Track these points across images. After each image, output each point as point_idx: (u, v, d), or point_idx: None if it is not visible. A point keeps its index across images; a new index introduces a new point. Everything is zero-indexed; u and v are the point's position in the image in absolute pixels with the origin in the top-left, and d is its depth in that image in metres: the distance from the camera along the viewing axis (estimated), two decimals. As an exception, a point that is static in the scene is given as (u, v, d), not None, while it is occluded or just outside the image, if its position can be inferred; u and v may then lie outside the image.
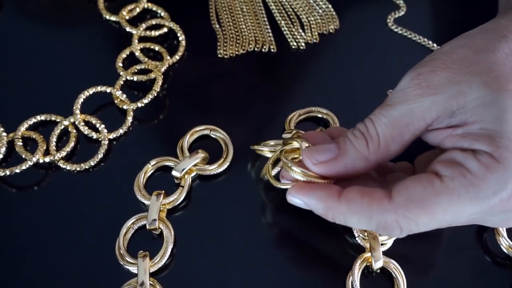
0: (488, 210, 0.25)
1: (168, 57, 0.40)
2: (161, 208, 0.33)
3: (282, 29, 0.42)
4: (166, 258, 0.32)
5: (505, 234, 0.33)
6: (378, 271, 0.32)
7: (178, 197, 0.34)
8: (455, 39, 0.28)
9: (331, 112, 0.37)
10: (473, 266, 0.34)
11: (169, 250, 0.32)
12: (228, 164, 0.35)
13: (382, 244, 0.32)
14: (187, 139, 0.36)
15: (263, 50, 0.41)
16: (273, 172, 0.33)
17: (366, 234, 0.32)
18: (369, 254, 0.32)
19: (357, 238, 0.33)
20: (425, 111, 0.26)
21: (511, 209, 0.25)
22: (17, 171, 0.34)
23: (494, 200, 0.24)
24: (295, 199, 0.28)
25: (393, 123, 0.26)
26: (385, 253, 0.32)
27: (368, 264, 0.32)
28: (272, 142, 0.33)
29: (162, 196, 0.33)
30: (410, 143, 0.27)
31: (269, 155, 0.33)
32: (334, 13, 0.43)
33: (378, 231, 0.27)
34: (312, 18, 0.43)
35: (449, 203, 0.24)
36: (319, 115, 0.38)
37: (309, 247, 0.34)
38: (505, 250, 0.33)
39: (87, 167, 0.35)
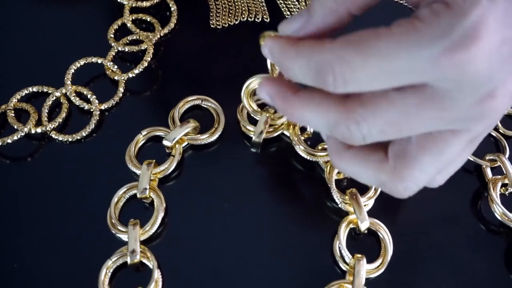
0: (434, 64, 0.22)
1: (160, 28, 0.39)
2: (152, 178, 0.33)
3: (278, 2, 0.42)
4: (156, 226, 0.32)
5: (499, 202, 0.33)
6: (366, 231, 0.32)
7: (169, 166, 0.34)
8: None
9: None
10: (467, 233, 0.34)
11: (160, 218, 0.32)
12: (219, 133, 0.35)
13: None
14: (178, 109, 0.36)
15: (256, 20, 0.41)
16: None
17: (347, 198, 0.33)
18: (353, 217, 0.32)
19: (339, 204, 0.33)
20: None
21: (465, 68, 0.22)
22: (9, 141, 0.34)
23: (437, 47, 0.21)
24: (265, 48, 0.27)
25: None
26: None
27: (353, 226, 0.32)
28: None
29: (152, 165, 0.33)
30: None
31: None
32: (329, -19, 0.42)
33: (313, 79, 0.24)
34: (306, -13, 0.42)
35: (387, 46, 0.22)
36: None
37: (295, 216, 0.34)
38: (499, 217, 0.33)
39: (79, 137, 0.35)
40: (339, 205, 0.33)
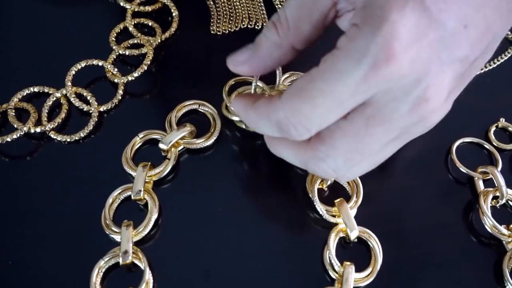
0: (365, 84, 0.23)
1: (161, 33, 0.40)
2: (147, 180, 0.34)
3: (276, 6, 0.42)
4: (149, 228, 0.33)
5: (489, 214, 0.33)
6: (356, 240, 0.33)
7: (164, 169, 0.34)
8: None
9: None
10: (457, 244, 0.34)
11: (153, 220, 0.33)
12: (215, 138, 0.36)
13: None
14: (175, 113, 0.36)
15: (256, 27, 0.41)
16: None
17: (333, 209, 0.33)
18: (342, 226, 0.32)
19: (323, 216, 0.33)
20: None
21: (392, 78, 0.23)
22: (8, 139, 0.35)
23: (362, 68, 0.23)
24: (233, 107, 0.30)
25: (301, 3, 0.27)
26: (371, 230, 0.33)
27: (343, 236, 0.33)
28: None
29: (148, 167, 0.34)
30: (323, 27, 0.28)
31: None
32: (329, -9, 0.43)
33: (281, 134, 0.27)
34: (307, -4, 0.43)
35: (322, 83, 0.24)
36: None
37: (288, 221, 0.34)
38: (489, 230, 0.33)
39: (77, 138, 0.36)
40: (324, 217, 0.33)
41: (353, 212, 0.33)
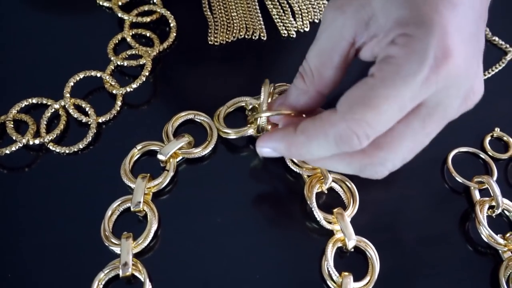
0: (427, 85, 0.25)
1: (159, 43, 0.40)
2: (146, 191, 0.34)
3: (273, 17, 0.42)
4: (149, 239, 0.33)
5: (485, 223, 0.34)
6: (352, 250, 0.33)
7: (163, 180, 0.35)
8: None
9: None
10: (454, 253, 0.34)
11: (153, 231, 0.33)
12: (212, 147, 0.36)
13: None
14: (172, 124, 0.36)
15: (253, 37, 0.42)
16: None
17: (332, 217, 0.33)
18: (339, 236, 0.33)
19: (321, 222, 0.33)
20: (341, 30, 0.28)
21: (450, 75, 0.25)
22: (7, 152, 0.35)
23: (424, 70, 0.24)
24: (264, 149, 0.31)
25: (319, 52, 0.29)
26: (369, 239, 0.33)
27: (340, 245, 0.33)
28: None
29: (147, 179, 0.34)
30: (346, 66, 0.29)
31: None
32: (325, 1, 0.43)
33: (339, 148, 0.27)
34: (304, 6, 0.43)
35: (385, 90, 0.25)
36: None
37: (287, 230, 0.34)
38: (485, 239, 0.34)
39: (76, 149, 0.36)
40: (321, 223, 0.33)
41: (348, 219, 0.33)
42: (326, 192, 0.35)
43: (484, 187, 0.35)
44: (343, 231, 0.33)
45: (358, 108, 0.25)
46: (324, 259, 0.32)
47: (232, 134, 0.36)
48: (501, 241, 0.33)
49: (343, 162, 0.29)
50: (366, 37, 0.27)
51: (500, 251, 0.33)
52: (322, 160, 0.29)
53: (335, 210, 0.34)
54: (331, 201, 0.35)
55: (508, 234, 0.33)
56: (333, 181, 0.35)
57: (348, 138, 0.26)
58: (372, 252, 0.33)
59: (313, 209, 0.34)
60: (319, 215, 0.33)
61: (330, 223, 0.34)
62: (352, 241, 0.32)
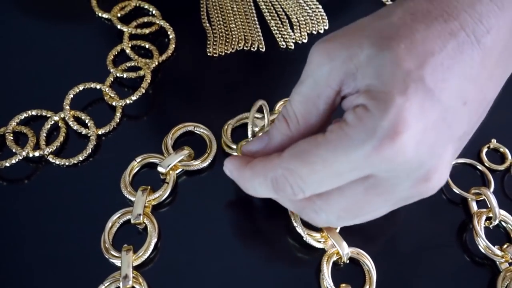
0: (367, 161, 0.24)
1: (158, 55, 0.40)
2: (146, 204, 0.34)
3: (272, 28, 0.43)
4: (149, 252, 0.33)
5: (483, 235, 0.34)
6: (348, 261, 0.33)
7: (163, 193, 0.35)
8: None
9: None
10: (452, 264, 0.34)
11: (153, 244, 0.33)
12: (211, 159, 0.36)
13: None
14: (171, 136, 0.37)
15: (252, 49, 0.42)
16: None
17: (321, 234, 0.33)
18: (333, 250, 0.33)
19: (304, 238, 0.33)
20: (327, 78, 0.26)
21: (395, 159, 0.24)
22: (7, 164, 0.35)
23: (367, 147, 0.24)
24: (225, 169, 0.31)
25: (305, 99, 0.28)
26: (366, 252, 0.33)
27: (335, 259, 0.33)
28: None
29: (147, 192, 0.34)
30: (330, 112, 0.28)
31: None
32: (323, 13, 0.44)
33: (275, 192, 0.28)
34: (302, 18, 0.43)
35: (326, 153, 0.25)
36: None
37: (288, 242, 0.34)
38: (482, 250, 0.34)
39: (75, 162, 0.36)
40: (304, 239, 0.33)
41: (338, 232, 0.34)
42: None
43: (481, 198, 0.35)
44: (336, 244, 0.33)
45: (295, 161, 0.26)
46: (321, 276, 0.32)
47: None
48: (499, 252, 0.33)
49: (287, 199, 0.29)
50: (351, 89, 0.26)
51: (497, 262, 0.34)
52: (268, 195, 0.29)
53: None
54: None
55: (505, 246, 0.34)
56: None
57: (282, 185, 0.27)
58: (368, 263, 0.33)
59: (297, 227, 0.34)
60: (304, 233, 0.33)
61: (319, 241, 0.34)
62: (347, 254, 0.33)
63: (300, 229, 0.33)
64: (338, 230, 0.34)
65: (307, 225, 0.33)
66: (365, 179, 0.26)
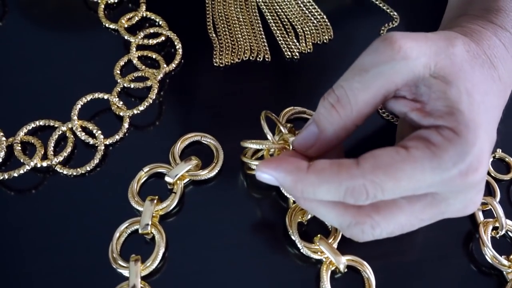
0: (448, 182, 0.26)
1: (165, 65, 0.41)
2: (154, 214, 0.34)
3: (277, 38, 0.43)
4: (157, 262, 0.33)
5: (489, 245, 0.34)
6: (345, 270, 0.33)
7: (171, 203, 0.35)
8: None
9: None
10: (458, 273, 0.34)
11: (161, 254, 0.33)
12: (218, 169, 0.36)
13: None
14: (178, 146, 0.37)
15: (257, 59, 0.42)
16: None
17: (313, 245, 0.34)
18: (330, 260, 0.33)
19: (301, 250, 0.33)
20: (396, 74, 0.27)
21: (470, 185, 0.26)
22: (15, 175, 0.35)
23: (454, 171, 0.25)
24: (264, 175, 0.29)
25: (366, 87, 0.27)
26: (369, 262, 0.34)
27: (334, 268, 0.33)
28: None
29: (155, 201, 0.34)
30: (380, 105, 0.29)
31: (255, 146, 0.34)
32: (328, 23, 0.44)
33: (345, 199, 0.27)
34: (307, 28, 0.44)
35: (412, 170, 0.26)
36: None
37: (294, 252, 0.34)
38: (489, 260, 0.34)
39: (83, 172, 0.36)
40: (302, 251, 0.33)
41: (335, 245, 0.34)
42: (305, 223, 0.35)
43: (487, 208, 0.36)
44: (330, 256, 0.33)
45: (381, 174, 0.26)
46: (321, 285, 0.33)
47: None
48: (505, 262, 0.33)
49: (335, 212, 0.28)
50: (409, 94, 0.28)
51: (504, 272, 0.34)
52: (316, 204, 0.29)
53: (316, 238, 0.34)
54: (314, 229, 0.35)
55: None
56: None
57: (359, 193, 0.26)
58: (368, 272, 0.33)
59: (294, 239, 0.34)
60: (302, 246, 0.33)
61: (316, 252, 0.34)
62: (342, 264, 0.33)
63: (297, 242, 0.33)
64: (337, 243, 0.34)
65: (304, 238, 0.34)
66: (426, 197, 0.27)
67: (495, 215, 0.35)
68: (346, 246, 0.34)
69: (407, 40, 0.27)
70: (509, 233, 0.35)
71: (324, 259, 0.33)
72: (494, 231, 0.35)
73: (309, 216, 0.35)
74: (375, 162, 0.26)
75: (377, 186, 0.26)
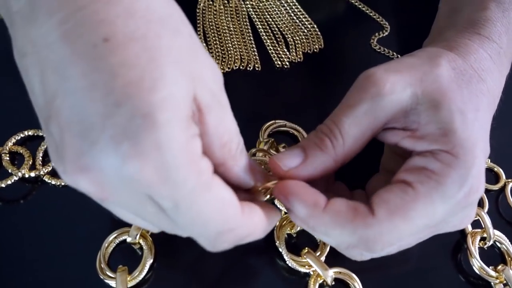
0: (456, 207, 0.26)
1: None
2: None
3: (268, 48, 0.43)
4: (144, 273, 0.33)
5: (477, 256, 0.34)
6: (333, 283, 0.33)
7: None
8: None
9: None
10: (446, 285, 0.34)
11: (148, 265, 0.33)
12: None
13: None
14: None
15: (248, 68, 0.42)
16: None
17: (303, 255, 0.33)
18: (318, 273, 0.33)
19: (288, 263, 0.33)
20: (384, 109, 0.27)
21: (470, 205, 0.27)
22: (3, 185, 0.35)
23: (460, 194, 0.26)
24: (281, 196, 0.27)
25: (356, 122, 0.28)
26: (357, 274, 0.33)
27: (321, 281, 0.33)
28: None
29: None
30: (370, 140, 0.29)
31: None
32: (319, 32, 0.44)
33: (358, 246, 0.27)
34: (297, 37, 0.44)
35: (424, 206, 0.26)
36: (291, 131, 0.39)
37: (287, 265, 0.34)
38: (477, 271, 0.34)
39: (71, 182, 0.36)
40: (288, 263, 0.33)
41: (322, 259, 0.34)
42: (294, 235, 0.35)
43: (475, 218, 0.36)
44: (317, 269, 0.33)
45: (397, 219, 0.26)
46: None
47: None
48: (493, 273, 0.33)
49: (348, 228, 0.26)
50: (399, 125, 0.28)
51: (492, 283, 0.34)
52: (324, 222, 0.27)
53: (303, 252, 0.34)
54: (303, 241, 0.35)
55: (499, 266, 0.34)
56: None
57: (374, 244, 0.26)
58: (356, 284, 0.33)
59: (283, 253, 0.34)
60: (287, 257, 0.33)
61: (304, 266, 0.33)
62: (330, 277, 0.33)
63: (284, 255, 0.33)
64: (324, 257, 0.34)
65: (292, 250, 0.34)
66: None
67: (483, 226, 0.35)
68: (334, 258, 0.33)
69: (390, 74, 0.27)
70: (497, 243, 0.35)
71: (311, 273, 0.33)
72: (482, 241, 0.35)
73: (298, 228, 0.35)
74: (389, 208, 0.26)
75: (393, 232, 0.26)
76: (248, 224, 0.25)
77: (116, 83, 0.20)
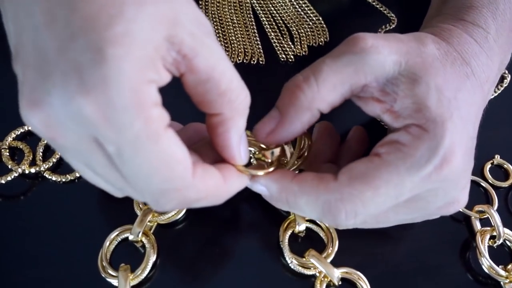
0: (426, 181, 0.26)
1: (157, 68, 0.40)
2: (151, 222, 0.34)
3: (272, 41, 0.42)
4: (147, 271, 0.32)
5: (487, 255, 0.33)
6: (340, 283, 0.33)
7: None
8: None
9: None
10: (454, 284, 0.34)
11: (150, 264, 0.32)
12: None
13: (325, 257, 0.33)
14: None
15: (251, 62, 0.41)
16: None
17: (305, 258, 0.33)
18: (324, 274, 0.32)
19: (290, 265, 0.33)
20: (366, 66, 0.27)
21: (447, 179, 0.26)
22: (3, 181, 0.35)
23: (429, 167, 0.25)
24: (257, 185, 0.29)
25: (335, 70, 0.27)
26: (364, 272, 0.33)
27: (328, 282, 0.33)
28: None
29: (151, 212, 0.34)
30: (345, 99, 0.28)
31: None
32: (324, 25, 0.43)
33: (325, 216, 0.27)
34: (302, 30, 0.43)
35: (389, 175, 0.25)
36: None
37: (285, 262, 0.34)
38: (486, 270, 0.33)
39: (72, 178, 0.36)
40: (290, 265, 0.33)
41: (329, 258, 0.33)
42: (300, 234, 0.35)
43: (485, 216, 0.35)
44: (323, 270, 0.32)
45: (358, 184, 0.26)
46: None
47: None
48: (503, 272, 0.33)
49: (315, 194, 0.27)
50: (377, 94, 0.27)
51: (501, 283, 0.33)
52: (294, 193, 0.28)
53: (306, 253, 0.33)
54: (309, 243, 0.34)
55: (509, 266, 0.33)
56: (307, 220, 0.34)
57: (336, 210, 0.26)
58: (364, 284, 0.32)
59: (285, 255, 0.33)
60: (290, 258, 0.33)
61: (309, 268, 0.33)
62: (336, 278, 0.32)
63: (286, 256, 0.33)
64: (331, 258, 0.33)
65: (295, 253, 0.33)
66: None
67: (493, 224, 0.34)
68: (340, 257, 0.33)
69: (379, 39, 0.27)
70: (507, 242, 0.35)
71: (317, 274, 0.33)
72: (491, 240, 0.34)
73: (300, 228, 0.34)
74: (351, 174, 0.26)
75: (355, 198, 0.26)
76: (198, 186, 0.24)
77: (74, 16, 0.20)
